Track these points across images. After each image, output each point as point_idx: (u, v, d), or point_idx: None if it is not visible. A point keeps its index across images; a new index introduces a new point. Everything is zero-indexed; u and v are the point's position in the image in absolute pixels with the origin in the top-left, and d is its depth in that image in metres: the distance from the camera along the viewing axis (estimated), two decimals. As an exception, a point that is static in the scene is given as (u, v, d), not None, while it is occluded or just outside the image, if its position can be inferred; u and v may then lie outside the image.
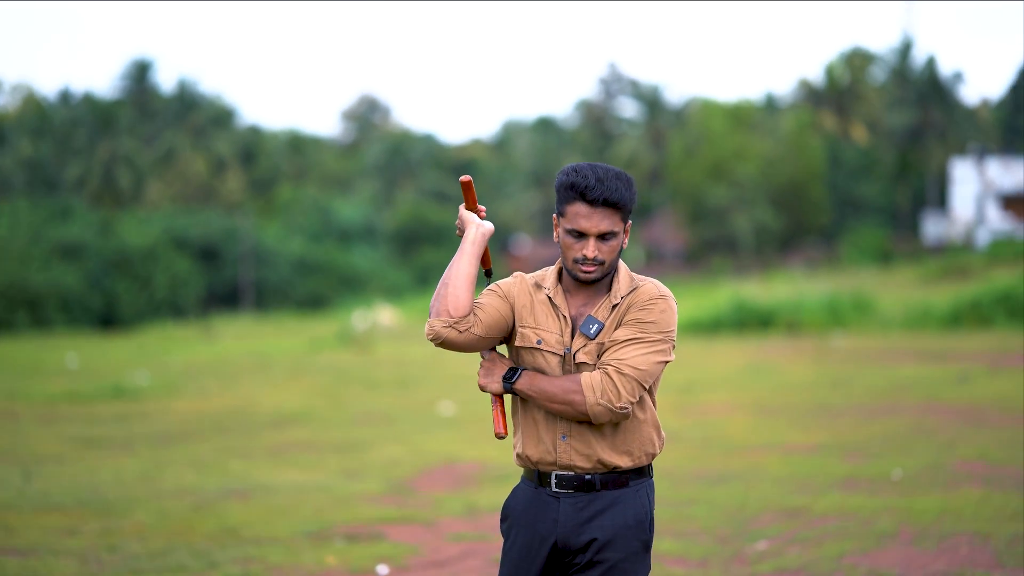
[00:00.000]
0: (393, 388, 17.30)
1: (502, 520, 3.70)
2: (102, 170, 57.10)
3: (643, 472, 3.60)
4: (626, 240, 3.55)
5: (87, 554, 7.37)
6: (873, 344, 21.60)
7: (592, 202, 3.43)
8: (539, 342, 3.55)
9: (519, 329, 3.61)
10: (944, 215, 58.28)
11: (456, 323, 3.50)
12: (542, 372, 3.56)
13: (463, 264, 3.53)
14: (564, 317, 3.56)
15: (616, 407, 3.45)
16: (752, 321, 25.51)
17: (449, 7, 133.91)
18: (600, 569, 3.51)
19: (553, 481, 3.55)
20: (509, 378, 3.54)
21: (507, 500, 3.68)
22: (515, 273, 3.68)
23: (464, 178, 3.59)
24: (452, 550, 7.42)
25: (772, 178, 57.84)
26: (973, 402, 13.41)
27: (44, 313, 39.76)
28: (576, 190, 3.44)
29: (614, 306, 3.54)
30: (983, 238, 50.79)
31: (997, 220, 54.49)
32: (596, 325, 3.51)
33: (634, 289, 3.56)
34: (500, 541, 7.56)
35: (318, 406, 15.45)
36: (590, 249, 3.46)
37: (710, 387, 15.83)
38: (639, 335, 3.50)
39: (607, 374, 3.46)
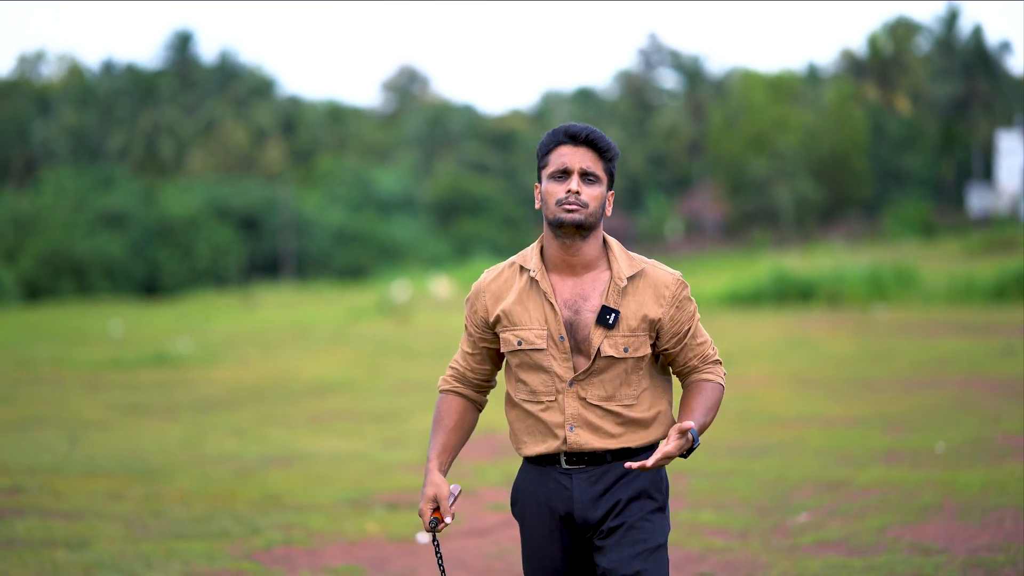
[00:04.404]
0: (432, 358, 17.33)
1: (512, 504, 3.63)
2: (144, 139, 57.44)
3: (656, 443, 3.54)
4: (609, 208, 3.48)
5: (132, 518, 7.44)
6: (915, 317, 21.46)
7: (574, 137, 3.44)
8: (519, 343, 3.49)
9: (500, 334, 3.55)
10: (989, 187, 57.76)
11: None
12: (535, 372, 3.49)
13: None
14: (551, 304, 3.45)
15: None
16: (792, 294, 25.40)
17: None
18: (618, 534, 3.45)
19: (563, 459, 3.49)
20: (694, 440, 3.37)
21: (515, 484, 3.62)
22: (484, 273, 3.61)
23: None
24: (492, 519, 7.44)
25: (813, 150, 57.48)
26: (1017, 376, 13.30)
27: (88, 281, 40.13)
28: (560, 132, 3.46)
29: (621, 289, 3.45)
30: (1028, 211, 50.28)
31: (1043, 193, 53.92)
32: (613, 315, 3.42)
33: (640, 272, 3.49)
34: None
35: (357, 375, 15.51)
36: (574, 183, 3.41)
37: (750, 359, 15.77)
38: (696, 320, 3.57)
39: (717, 362, 3.58)
